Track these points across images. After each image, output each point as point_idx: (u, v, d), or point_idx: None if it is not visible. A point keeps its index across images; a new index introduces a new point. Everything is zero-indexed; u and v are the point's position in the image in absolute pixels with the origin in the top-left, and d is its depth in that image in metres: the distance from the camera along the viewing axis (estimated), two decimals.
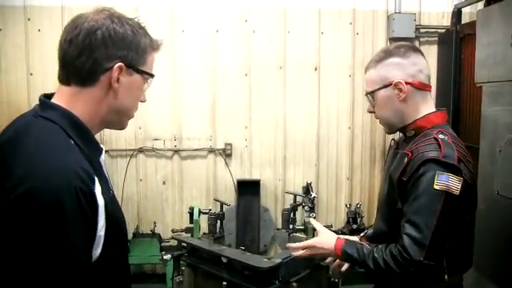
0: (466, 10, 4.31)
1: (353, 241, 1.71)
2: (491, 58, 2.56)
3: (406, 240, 1.45)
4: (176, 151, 4.33)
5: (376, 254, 1.54)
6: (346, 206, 4.35)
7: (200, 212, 3.89)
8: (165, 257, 2.41)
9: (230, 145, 4.36)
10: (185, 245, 2.31)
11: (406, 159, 1.53)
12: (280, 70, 4.39)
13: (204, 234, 3.94)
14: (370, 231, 1.99)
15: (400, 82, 1.59)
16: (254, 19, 4.31)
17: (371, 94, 1.66)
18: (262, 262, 1.92)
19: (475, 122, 3.42)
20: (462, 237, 1.54)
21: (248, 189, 4.34)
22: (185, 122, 4.31)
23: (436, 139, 1.49)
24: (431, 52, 4.54)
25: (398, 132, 1.74)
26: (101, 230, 1.01)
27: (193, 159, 4.36)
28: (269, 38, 4.35)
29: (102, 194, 1.02)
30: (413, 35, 4.38)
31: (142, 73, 1.14)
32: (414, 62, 1.62)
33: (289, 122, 4.43)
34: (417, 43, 4.52)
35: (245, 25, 4.31)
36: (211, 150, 4.36)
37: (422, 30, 4.47)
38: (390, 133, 1.74)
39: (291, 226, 3.83)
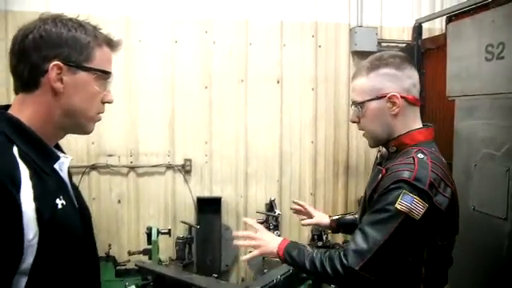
0: (426, 26, 4.45)
1: (296, 243, 1.70)
2: (464, 71, 2.62)
3: (351, 246, 1.48)
4: (132, 168, 4.21)
5: (314, 255, 1.56)
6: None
7: (158, 232, 3.78)
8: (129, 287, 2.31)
9: (190, 160, 4.29)
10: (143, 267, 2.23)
11: (379, 176, 1.54)
12: (241, 83, 4.36)
13: (171, 259, 3.83)
14: (350, 217, 2.03)
15: (395, 96, 1.56)
16: (215, 30, 4.28)
17: (360, 105, 1.60)
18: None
19: (440, 136, 3.51)
20: (437, 261, 1.54)
21: (208, 207, 4.28)
22: (141, 136, 4.19)
23: (413, 159, 1.48)
24: None
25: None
26: (32, 239, 0.99)
27: (150, 176, 4.25)
28: (230, 50, 4.32)
29: (37, 200, 1.00)
30: (375, 49, 4.47)
31: (87, 70, 1.12)
32: (408, 75, 1.60)
33: (250, 137, 4.40)
34: None
35: (205, 36, 4.27)
36: (169, 166, 4.27)
37: (383, 44, 4.57)
38: (373, 146, 1.73)
39: None
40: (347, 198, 4.68)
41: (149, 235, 3.74)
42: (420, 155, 1.50)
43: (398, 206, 1.41)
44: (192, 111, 4.26)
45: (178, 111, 4.24)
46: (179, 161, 4.28)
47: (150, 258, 3.70)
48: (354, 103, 1.63)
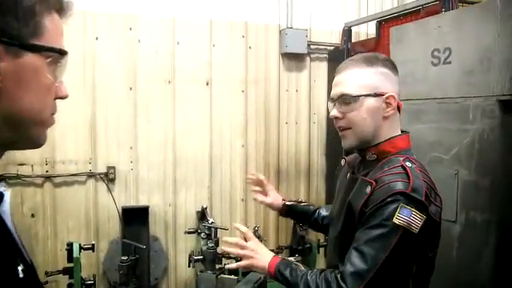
0: (354, 29, 4.62)
1: (288, 260, 1.67)
2: (410, 76, 2.72)
3: (349, 268, 1.42)
4: (48, 177, 3.89)
5: (309, 277, 1.51)
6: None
7: (81, 248, 3.54)
8: None
9: (113, 168, 4.06)
10: None
11: (368, 188, 1.47)
12: (169, 84, 4.22)
13: (113, 285, 3.58)
14: (324, 213, 2.02)
15: (393, 97, 1.54)
16: (140, 27, 4.09)
17: (354, 98, 1.53)
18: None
19: None
20: (424, 272, 1.55)
21: (135, 217, 4.09)
22: (59, 142, 3.89)
23: (404, 168, 1.45)
24: (322, 68, 4.79)
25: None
26: None
27: (69, 186, 3.96)
28: (156, 49, 4.16)
29: None
30: (305, 51, 4.57)
31: (38, 49, 0.75)
32: (398, 81, 1.60)
33: (179, 141, 4.28)
34: (308, 60, 4.72)
35: (129, 33, 4.06)
36: (91, 175, 4.01)
37: (312, 47, 4.67)
38: (350, 149, 1.65)
39: (217, 266, 3.66)
40: None
41: (69, 252, 3.49)
42: (408, 164, 1.47)
43: (396, 221, 1.37)
44: (115, 114, 4.04)
45: (99, 114, 3.99)
46: (102, 168, 4.04)
47: (70, 278, 3.45)
48: (344, 96, 1.55)
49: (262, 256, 1.63)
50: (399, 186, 1.40)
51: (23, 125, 0.78)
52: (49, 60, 0.77)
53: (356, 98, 1.53)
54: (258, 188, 2.16)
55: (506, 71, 2.18)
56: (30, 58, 0.75)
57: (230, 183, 4.51)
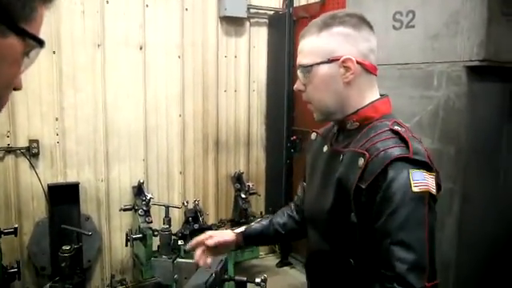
0: None
1: None
2: None
3: (401, 267, 1.21)
4: None
5: None
6: (183, 204, 4.10)
7: (1, 233, 3.15)
8: None
9: (37, 141, 3.63)
10: None
11: (361, 161, 1.29)
12: (98, 48, 3.82)
13: (54, 280, 3.19)
14: (256, 226, 1.81)
15: (350, 59, 1.34)
16: None
17: (308, 68, 1.38)
18: None
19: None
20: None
21: (63, 195, 3.71)
22: None
23: (395, 132, 1.30)
24: (261, 34, 4.60)
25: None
26: None
27: None
28: (83, 8, 3.73)
29: None
30: (245, 15, 4.34)
31: (24, 35, 0.72)
32: (366, 38, 1.39)
33: (110, 111, 3.92)
34: (247, 24, 4.49)
35: None
36: (10, 150, 3.56)
37: (252, 11, 4.45)
38: (322, 121, 1.50)
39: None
40: (218, 174, 4.54)
41: None
42: (397, 127, 1.32)
43: (416, 189, 1.21)
44: (37, 81, 3.58)
45: None
46: (23, 142, 3.59)
47: None
48: (301, 67, 1.40)
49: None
50: (397, 151, 1.24)
51: None
52: (27, 49, 0.74)
53: (309, 67, 1.38)
54: (200, 250, 1.79)
55: (475, 36, 2.12)
56: (12, 41, 0.71)
57: (166, 156, 4.24)
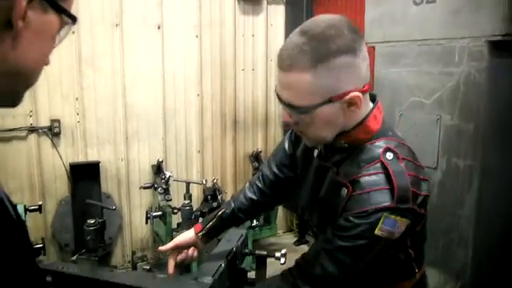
0: None
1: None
2: (387, 15, 2.57)
3: (318, 271, 1.28)
4: None
5: None
6: (202, 182, 4.15)
7: (26, 210, 3.24)
8: None
9: (58, 121, 3.71)
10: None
11: (345, 192, 1.27)
12: (116, 28, 3.85)
13: (80, 253, 3.29)
14: (217, 223, 1.81)
15: (357, 96, 1.19)
16: None
17: (303, 109, 1.20)
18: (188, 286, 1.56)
19: None
20: (420, 240, 1.47)
21: (84, 174, 3.80)
22: None
23: (384, 166, 1.22)
24: (279, 12, 4.57)
25: None
26: None
27: (7, 142, 3.58)
28: None
29: None
30: None
31: (62, 12, 0.75)
32: (364, 56, 1.21)
33: (129, 91, 3.97)
34: (265, 3, 4.47)
35: None
36: (32, 129, 3.64)
37: None
38: (313, 146, 1.41)
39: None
40: (236, 153, 4.57)
41: None
42: (389, 155, 1.24)
43: (379, 233, 1.20)
44: (57, 61, 3.64)
45: None
46: (45, 122, 3.67)
47: None
48: (291, 107, 1.21)
49: None
50: (381, 198, 1.20)
51: (19, 77, 0.76)
52: (62, 26, 0.78)
53: (307, 109, 1.20)
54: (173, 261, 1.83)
55: (498, 10, 2.08)
56: (52, 18, 0.75)
57: (185, 135, 4.29)
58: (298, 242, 4.66)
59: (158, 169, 4.00)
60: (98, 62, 3.81)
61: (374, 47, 2.72)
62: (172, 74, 4.13)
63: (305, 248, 4.58)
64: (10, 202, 0.80)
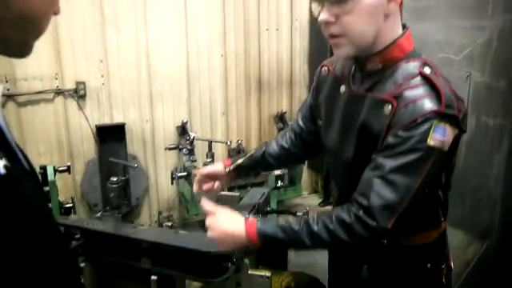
0: None
1: (267, 218, 1.48)
2: None
3: (376, 200, 1.23)
4: (10, 96, 3.54)
5: (314, 227, 1.30)
6: (226, 143, 4.18)
7: (55, 171, 3.32)
8: None
9: (83, 83, 3.74)
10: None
11: (388, 109, 1.25)
12: None
13: (104, 210, 3.39)
14: (248, 162, 1.81)
15: None
16: None
17: None
18: (208, 242, 1.59)
19: None
20: (450, 182, 1.44)
21: (111, 135, 3.85)
22: None
23: (425, 78, 1.24)
24: None
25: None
26: None
27: (35, 105, 3.64)
28: None
29: None
30: None
31: None
32: None
33: (153, 52, 3.96)
34: None
35: None
36: (59, 92, 3.69)
37: None
38: (348, 57, 1.39)
39: None
40: (260, 114, 4.55)
41: (43, 175, 3.26)
42: (427, 70, 1.26)
43: (431, 143, 1.19)
44: (80, 24, 3.64)
45: (62, 24, 3.58)
46: (70, 84, 3.71)
47: (48, 202, 3.27)
48: None
49: (231, 232, 1.39)
50: (429, 104, 1.19)
51: (27, 25, 0.74)
52: None
53: None
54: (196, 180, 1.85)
55: None
56: None
57: (209, 97, 4.28)
58: (323, 204, 4.67)
59: (182, 130, 4.03)
60: (120, 22, 3.79)
61: (401, 1, 2.61)
62: (195, 34, 4.09)
63: (329, 209, 4.59)
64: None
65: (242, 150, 4.04)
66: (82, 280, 1.79)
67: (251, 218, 1.40)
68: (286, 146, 1.80)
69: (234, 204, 2.06)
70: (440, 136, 1.20)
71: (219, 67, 4.25)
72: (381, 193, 1.24)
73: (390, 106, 1.25)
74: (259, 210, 1.94)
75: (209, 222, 1.45)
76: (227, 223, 1.42)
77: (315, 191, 4.92)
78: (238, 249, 1.50)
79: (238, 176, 1.88)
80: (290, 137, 1.80)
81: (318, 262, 2.48)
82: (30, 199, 0.74)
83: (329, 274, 1.86)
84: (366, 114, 1.33)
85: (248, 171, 1.90)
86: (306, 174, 4.64)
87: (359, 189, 1.31)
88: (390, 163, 1.24)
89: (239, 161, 1.83)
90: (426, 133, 1.19)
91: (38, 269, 0.74)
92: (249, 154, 1.86)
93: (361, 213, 1.26)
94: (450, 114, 1.20)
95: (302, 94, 4.68)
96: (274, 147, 1.82)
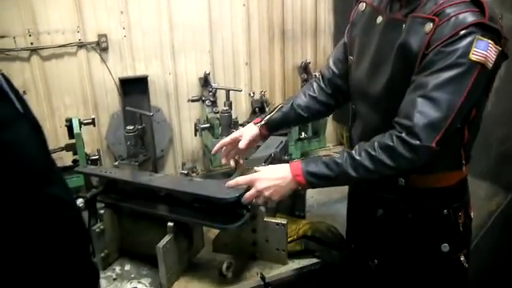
0: None
1: (310, 157, 1.50)
2: None
3: (419, 119, 1.22)
4: (34, 50, 3.58)
5: (357, 157, 1.31)
6: (249, 94, 4.15)
7: (81, 123, 3.39)
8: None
9: (105, 36, 3.74)
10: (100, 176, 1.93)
11: (429, 26, 1.24)
12: None
13: (122, 158, 3.48)
14: (278, 114, 1.82)
15: None
16: None
17: None
18: (222, 189, 1.61)
19: None
20: (477, 122, 1.40)
21: (134, 88, 3.88)
22: (39, 11, 3.52)
23: None
24: None
25: None
26: None
27: (59, 58, 3.68)
28: None
29: None
30: None
31: None
32: None
33: (174, 2, 3.89)
34: None
35: None
36: (81, 45, 3.70)
37: None
38: None
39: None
40: (284, 64, 4.49)
41: (69, 128, 3.34)
42: None
43: (474, 57, 1.17)
44: None
45: None
46: (92, 37, 3.72)
47: (74, 154, 3.36)
48: None
49: (273, 174, 1.42)
50: (471, 17, 1.18)
51: None
52: None
53: None
54: (226, 151, 1.88)
55: None
56: None
57: (232, 47, 4.23)
58: None
59: (205, 81, 4.02)
60: None
61: None
62: None
63: None
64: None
65: (265, 101, 4.01)
66: (102, 226, 1.85)
67: (296, 161, 1.42)
68: (313, 94, 1.82)
69: (252, 153, 2.07)
70: (482, 50, 1.18)
71: (241, 16, 4.17)
72: (423, 111, 1.22)
73: (431, 24, 1.25)
74: (276, 158, 1.95)
75: (255, 176, 1.48)
76: (273, 172, 1.46)
77: (340, 143, 4.89)
78: (288, 194, 1.51)
79: (269, 131, 1.89)
80: (318, 84, 1.83)
81: (338, 212, 2.50)
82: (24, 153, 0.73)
83: (347, 221, 1.88)
84: (405, 35, 1.32)
85: (279, 126, 1.90)
86: (330, 126, 4.60)
87: (401, 112, 1.31)
88: (432, 81, 1.22)
89: (269, 115, 1.86)
90: (468, 46, 1.19)
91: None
92: (278, 107, 1.88)
93: (404, 134, 1.26)
94: (493, 28, 1.18)
95: (326, 43, 4.57)
96: (302, 97, 1.84)
